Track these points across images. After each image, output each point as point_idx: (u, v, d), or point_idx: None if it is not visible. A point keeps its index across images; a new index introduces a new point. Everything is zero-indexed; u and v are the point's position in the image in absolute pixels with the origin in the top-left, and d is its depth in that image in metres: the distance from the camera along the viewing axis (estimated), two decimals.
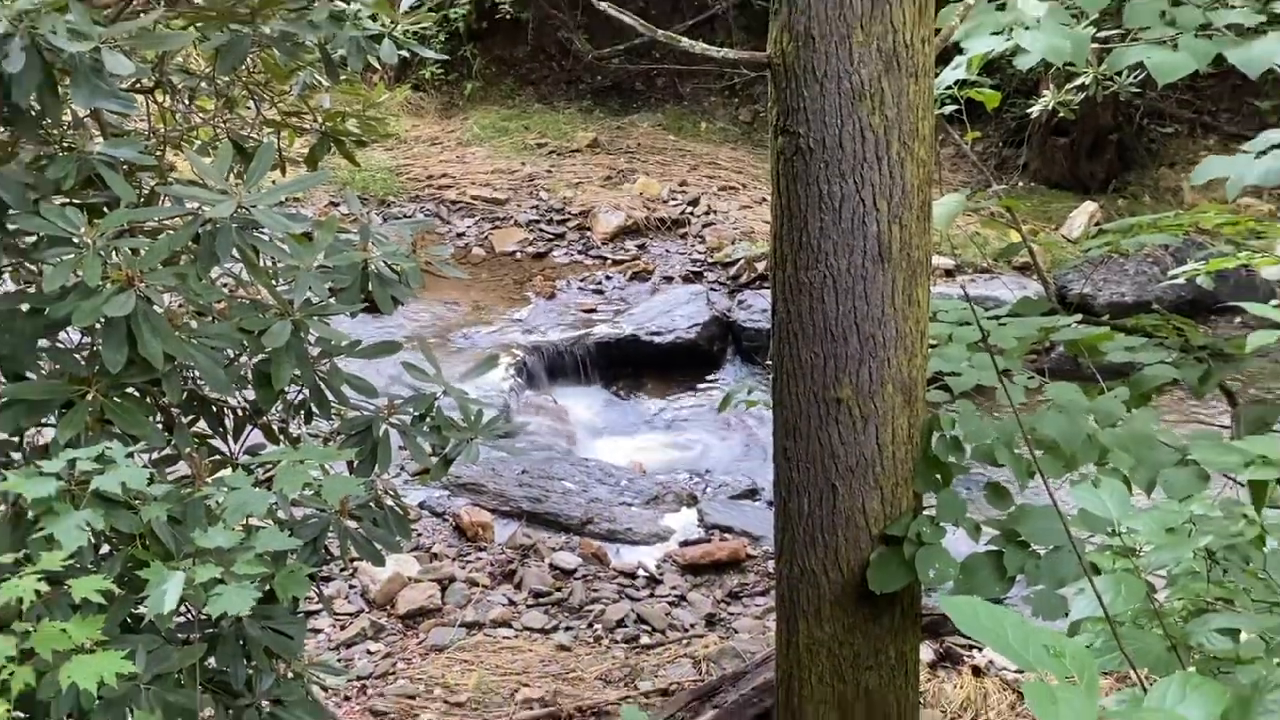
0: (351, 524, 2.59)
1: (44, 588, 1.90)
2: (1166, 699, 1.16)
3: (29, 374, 2.44)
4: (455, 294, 9.58)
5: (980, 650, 5.03)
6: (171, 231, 2.39)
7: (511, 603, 5.72)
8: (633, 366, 8.83)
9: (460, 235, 10.83)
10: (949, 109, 3.56)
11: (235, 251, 2.36)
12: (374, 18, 2.87)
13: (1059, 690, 1.07)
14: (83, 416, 2.30)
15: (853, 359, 2.87)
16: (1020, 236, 4.15)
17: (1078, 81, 4.61)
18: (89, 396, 2.32)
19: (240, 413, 2.80)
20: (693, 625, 5.58)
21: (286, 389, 2.60)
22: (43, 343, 2.45)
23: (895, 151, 2.78)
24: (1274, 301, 3.01)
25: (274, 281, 2.55)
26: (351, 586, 5.70)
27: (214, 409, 2.75)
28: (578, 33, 13.08)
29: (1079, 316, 3.51)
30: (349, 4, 2.86)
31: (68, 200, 2.42)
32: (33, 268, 2.51)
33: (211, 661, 2.43)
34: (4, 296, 2.48)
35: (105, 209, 2.40)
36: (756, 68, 2.87)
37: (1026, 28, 3.01)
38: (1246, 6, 3.05)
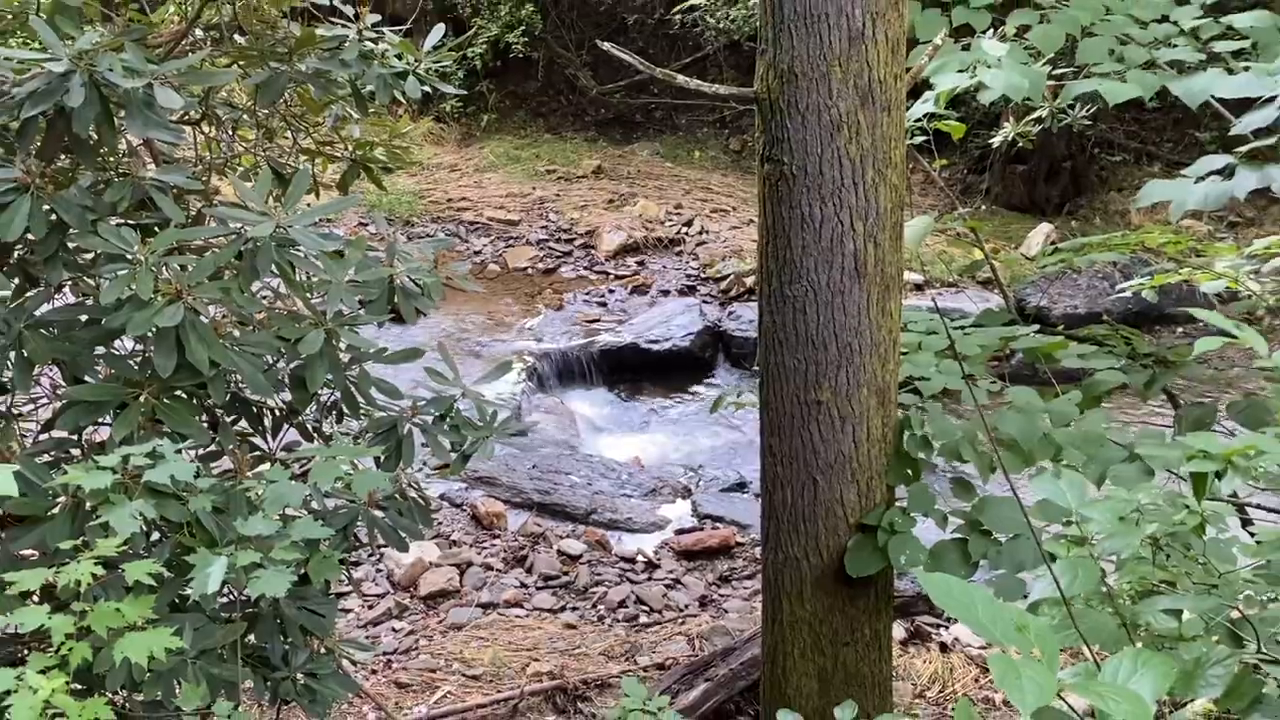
0: (378, 514, 2.59)
1: (100, 571, 1.90)
2: (1120, 673, 1.16)
3: (87, 378, 2.44)
4: (473, 306, 9.58)
5: (947, 629, 5.02)
6: (217, 249, 2.39)
7: (523, 585, 5.71)
8: (633, 371, 8.83)
9: (477, 253, 10.83)
10: (919, 139, 3.56)
11: (274, 267, 2.37)
12: (399, 56, 2.88)
13: (1022, 664, 1.06)
14: (136, 416, 2.30)
15: (832, 365, 2.87)
16: (983, 254, 4.15)
17: (1035, 114, 4.61)
18: (141, 398, 2.32)
19: (278, 413, 2.80)
20: (687, 606, 5.57)
21: (320, 391, 2.60)
22: (100, 350, 2.45)
23: (870, 178, 2.78)
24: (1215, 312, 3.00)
25: (309, 294, 2.56)
26: (378, 570, 5.69)
27: (254, 410, 2.75)
28: (583, 70, 13.11)
29: (1036, 326, 3.51)
30: (377, 44, 2.87)
31: (123, 221, 2.42)
32: (91, 282, 2.51)
33: (251, 638, 2.43)
34: (65, 308, 2.48)
35: (157, 229, 2.40)
36: (745, 102, 2.87)
37: (989, 66, 3.01)
38: (1189, 45, 3.06)
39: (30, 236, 2.30)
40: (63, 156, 2.45)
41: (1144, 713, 1.04)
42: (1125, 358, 3.37)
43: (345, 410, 2.70)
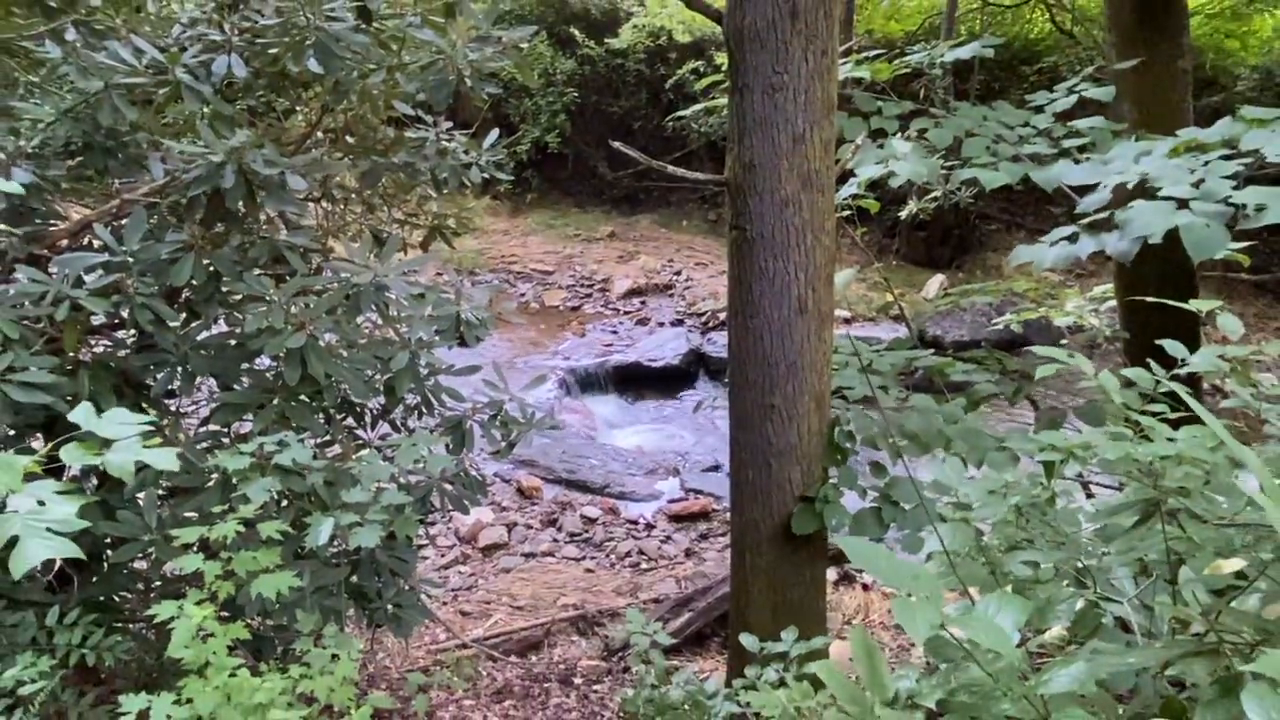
0: (447, 486, 2.59)
1: (241, 529, 1.90)
2: (988, 610, 1.15)
3: (235, 386, 2.45)
4: (518, 334, 9.58)
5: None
6: (331, 292, 2.40)
7: (555, 540, 5.69)
8: (637, 382, 8.81)
9: (522, 295, 10.84)
10: (845, 213, 3.56)
11: (373, 305, 2.38)
12: (466, 152, 2.90)
13: (915, 603, 1.06)
14: (270, 415, 2.31)
15: (782, 378, 2.86)
16: (893, 297, 4.16)
17: (931, 194, 4.63)
18: (274, 401, 2.33)
19: (375, 412, 2.80)
20: (676, 556, 5.55)
21: (405, 396, 2.60)
22: (244, 365, 2.46)
23: (809, 241, 2.78)
24: (1063, 341, 3.00)
25: (398, 325, 2.56)
26: (448, 528, 5.68)
27: (357, 410, 2.75)
28: (601, 162, 13.15)
29: (932, 350, 3.51)
30: (449, 143, 2.88)
31: (262, 271, 2.43)
32: (238, 316, 2.53)
33: (354, 579, 2.43)
34: (219, 335, 2.49)
35: (287, 277, 2.41)
36: (719, 185, 2.88)
37: (897, 159, 3.02)
38: (1044, 142, 3.07)
39: (194, 282, 2.31)
40: (218, 224, 2.47)
41: (1004, 639, 1.03)
42: (998, 373, 3.36)
43: (424, 410, 2.70)
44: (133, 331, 2.40)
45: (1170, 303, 2.43)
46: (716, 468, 6.90)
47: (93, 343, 2.50)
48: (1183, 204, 2.25)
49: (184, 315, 2.46)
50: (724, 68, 2.87)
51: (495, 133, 2.99)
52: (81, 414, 1.27)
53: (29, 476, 1.21)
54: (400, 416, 2.83)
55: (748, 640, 2.53)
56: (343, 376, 2.35)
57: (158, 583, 2.47)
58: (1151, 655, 1.29)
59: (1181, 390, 1.53)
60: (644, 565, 5.42)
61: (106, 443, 1.25)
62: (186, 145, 2.32)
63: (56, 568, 2.37)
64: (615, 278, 11.08)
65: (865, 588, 4.85)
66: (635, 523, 5.97)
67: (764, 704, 1.84)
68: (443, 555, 5.39)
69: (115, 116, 2.33)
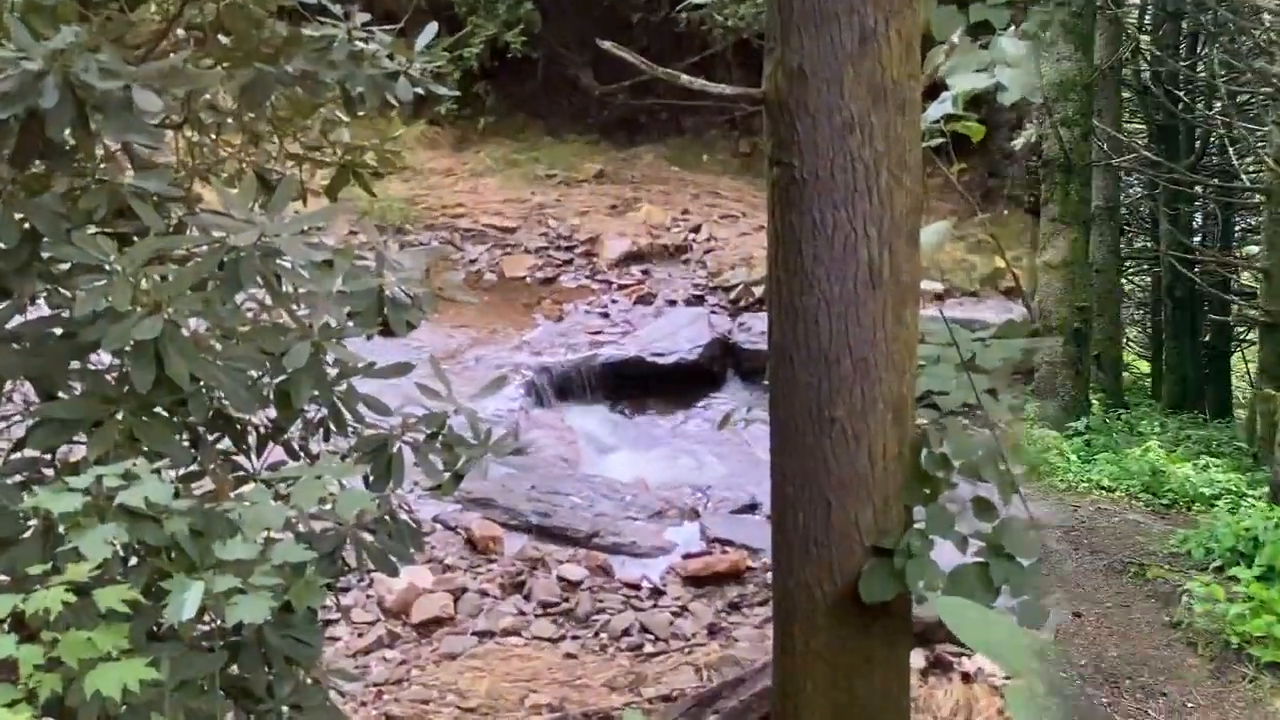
0: (367, 536, 2.59)
1: (71, 598, 1.89)
2: None
3: (61, 394, 2.44)
4: (467, 317, 9.59)
5: (970, 657, 4.99)
6: (198, 259, 2.39)
7: (521, 612, 5.70)
8: (637, 386, 8.83)
9: (472, 261, 10.86)
10: (936, 141, 3.55)
11: (258, 278, 2.37)
12: (391, 57, 2.89)
13: (1042, 697, 1.04)
14: (112, 434, 2.30)
15: (845, 380, 2.86)
16: (1005, 262, 4.16)
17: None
18: (118, 415, 2.32)
19: (262, 431, 2.80)
20: (694, 634, 5.56)
21: (305, 408, 2.60)
22: (74, 365, 2.45)
23: (884, 181, 2.77)
24: None
25: (295, 306, 2.56)
26: (369, 596, 5.69)
27: (237, 427, 2.74)
28: (585, 70, 13.15)
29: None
30: (367, 44, 2.87)
31: (99, 229, 2.42)
32: (66, 293, 2.51)
33: (234, 669, 2.42)
34: (37, 320, 2.48)
35: (135, 238, 2.40)
36: (753, 103, 2.87)
37: (1008, 66, 3.01)
38: None
39: (1, 245, 2.30)
40: (36, 162, 2.46)
41: None
42: None
43: (332, 427, 2.70)
44: None
45: None
46: (752, 508, 6.91)
47: None
48: None
49: None
50: None
51: (433, 28, 2.97)
52: None
53: None
54: (299, 437, 2.82)
55: None
56: (215, 380, 2.34)
57: None
58: None
59: None
60: (648, 648, 5.43)
61: None
62: None
63: None
64: (606, 236, 11.09)
65: (966, 678, 4.85)
66: (636, 587, 5.98)
67: None
68: (361, 635, 5.40)
69: None
